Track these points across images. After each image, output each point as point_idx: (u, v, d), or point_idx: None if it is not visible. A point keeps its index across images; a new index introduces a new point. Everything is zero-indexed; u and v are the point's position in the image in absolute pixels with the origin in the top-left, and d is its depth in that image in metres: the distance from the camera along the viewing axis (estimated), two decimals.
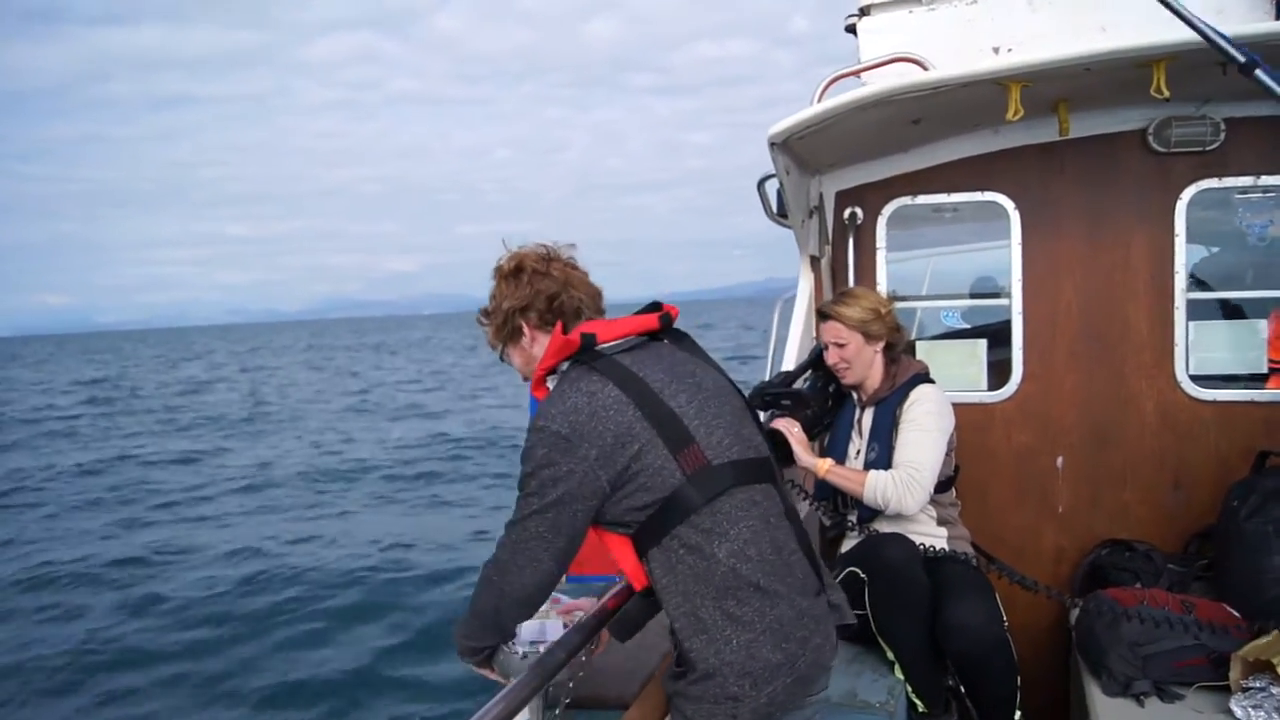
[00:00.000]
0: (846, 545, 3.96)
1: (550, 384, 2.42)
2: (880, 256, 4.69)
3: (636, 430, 2.22)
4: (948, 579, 3.60)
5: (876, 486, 3.65)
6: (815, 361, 4.11)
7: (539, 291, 2.47)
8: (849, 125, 3.92)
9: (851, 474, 3.75)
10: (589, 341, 2.35)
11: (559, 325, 2.45)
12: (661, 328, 2.50)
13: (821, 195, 4.69)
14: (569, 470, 2.21)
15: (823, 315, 3.94)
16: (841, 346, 3.87)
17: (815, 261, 4.72)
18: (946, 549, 3.79)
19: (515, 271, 2.51)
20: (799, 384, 4.19)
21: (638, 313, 2.53)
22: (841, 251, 4.73)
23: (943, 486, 3.86)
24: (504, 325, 2.53)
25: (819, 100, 4.14)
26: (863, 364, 3.89)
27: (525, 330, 2.51)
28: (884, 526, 3.79)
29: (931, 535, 3.80)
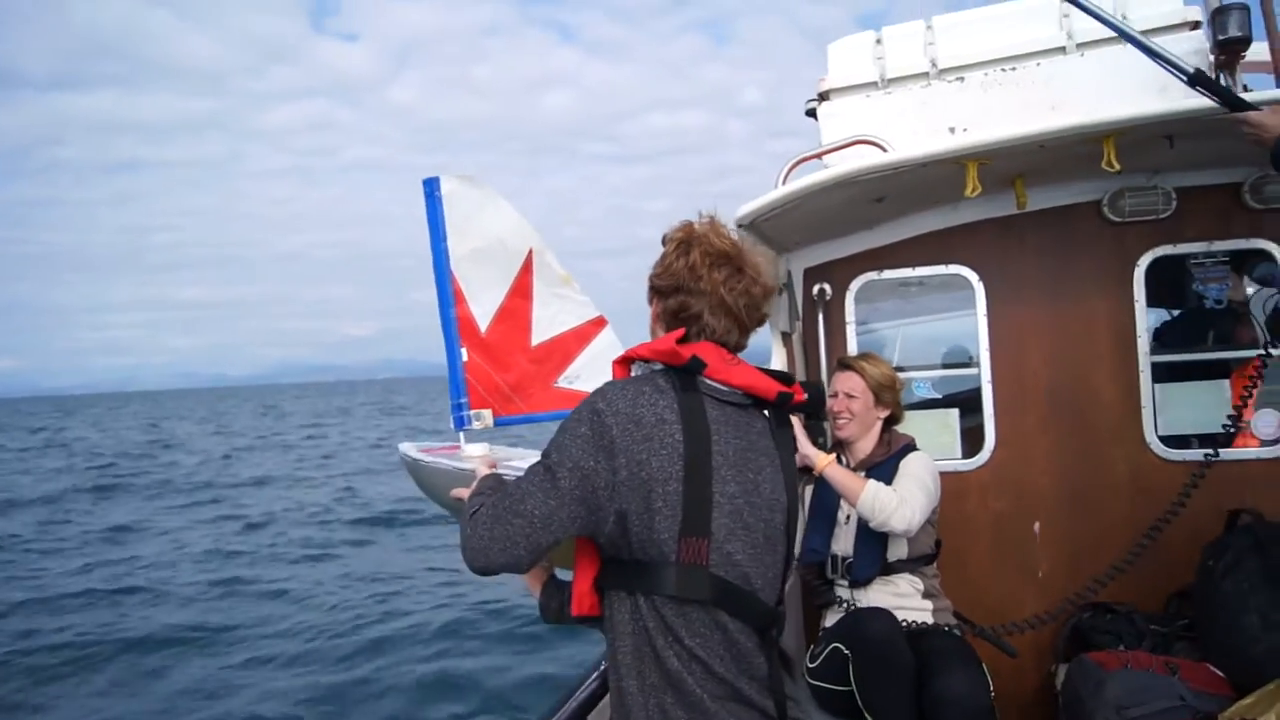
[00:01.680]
0: (830, 619, 3.97)
1: (634, 371, 2.33)
2: (850, 330, 4.78)
3: (670, 489, 2.09)
4: (934, 651, 3.62)
5: (878, 495, 3.68)
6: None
7: (679, 289, 2.29)
8: (814, 206, 4.02)
9: (851, 477, 3.80)
10: (694, 366, 2.21)
11: (680, 330, 2.29)
12: (776, 402, 2.33)
13: (790, 272, 4.79)
14: (595, 468, 2.11)
15: (844, 366, 4.09)
16: (852, 398, 3.99)
17: (786, 337, 4.80)
18: (931, 621, 3.81)
19: (682, 249, 2.32)
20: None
21: (768, 374, 2.35)
22: (812, 326, 4.81)
23: (926, 560, 3.90)
24: (650, 282, 2.38)
25: (784, 182, 4.25)
26: (863, 423, 4.01)
27: (652, 305, 2.39)
28: (871, 596, 3.82)
29: (917, 608, 3.83)
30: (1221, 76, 3.81)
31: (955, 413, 4.73)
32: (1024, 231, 4.55)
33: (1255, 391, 3.91)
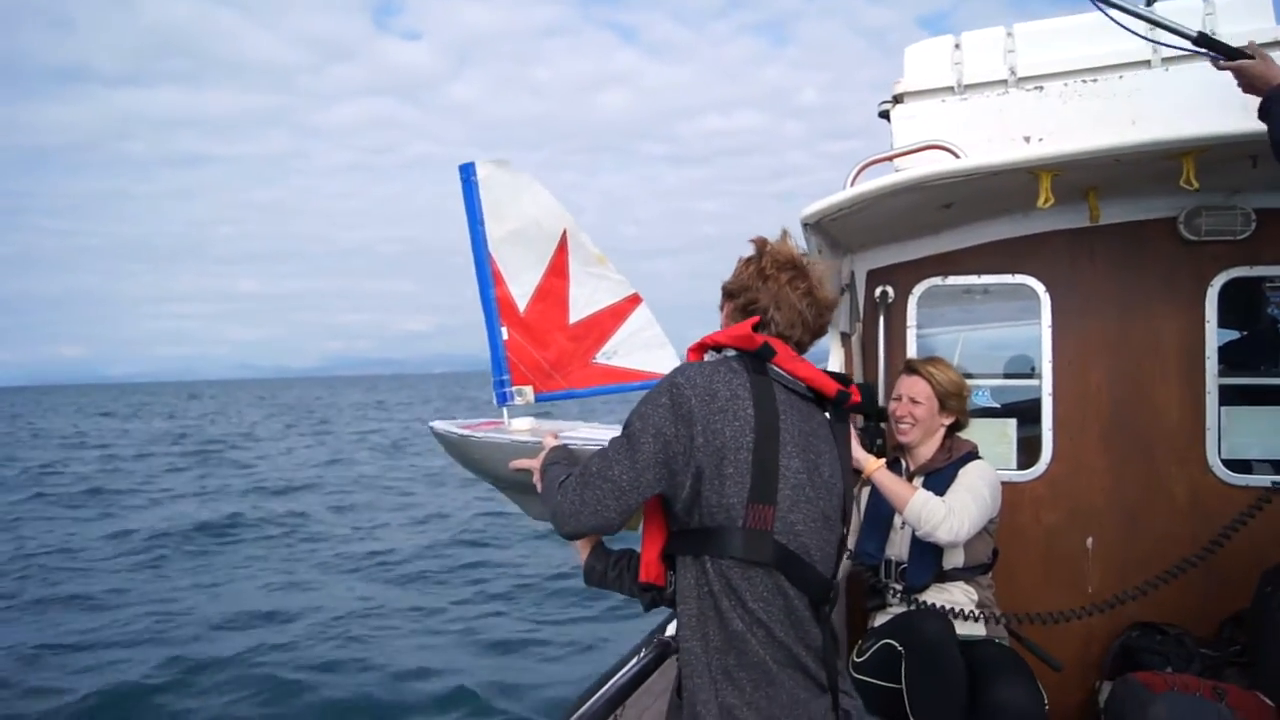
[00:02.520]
0: (881, 619, 3.96)
1: (708, 358, 2.49)
2: (910, 335, 4.76)
3: (741, 457, 2.25)
4: (987, 660, 3.61)
5: (926, 504, 3.67)
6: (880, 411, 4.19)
7: (746, 288, 2.48)
8: (881, 209, 4.01)
9: (899, 483, 3.80)
10: (765, 352, 2.39)
11: (755, 318, 2.45)
12: (834, 399, 2.48)
13: (853, 274, 4.78)
14: (675, 435, 2.28)
15: (911, 370, 4.04)
16: (916, 404, 3.96)
17: (846, 338, 4.79)
18: (984, 633, 3.79)
19: (752, 260, 2.52)
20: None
21: (826, 373, 2.50)
22: (872, 328, 4.80)
23: (983, 569, 3.88)
24: (722, 288, 2.59)
25: (852, 184, 4.24)
26: (925, 429, 3.98)
27: (723, 309, 2.59)
28: (927, 600, 3.81)
29: (971, 614, 3.80)
30: None
31: (1013, 423, 4.70)
32: (1094, 245, 4.50)
33: None
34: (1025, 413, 4.71)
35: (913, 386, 3.98)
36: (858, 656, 3.82)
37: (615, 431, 2.52)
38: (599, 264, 3.56)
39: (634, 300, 3.58)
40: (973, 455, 3.96)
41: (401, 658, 11.03)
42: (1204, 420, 4.35)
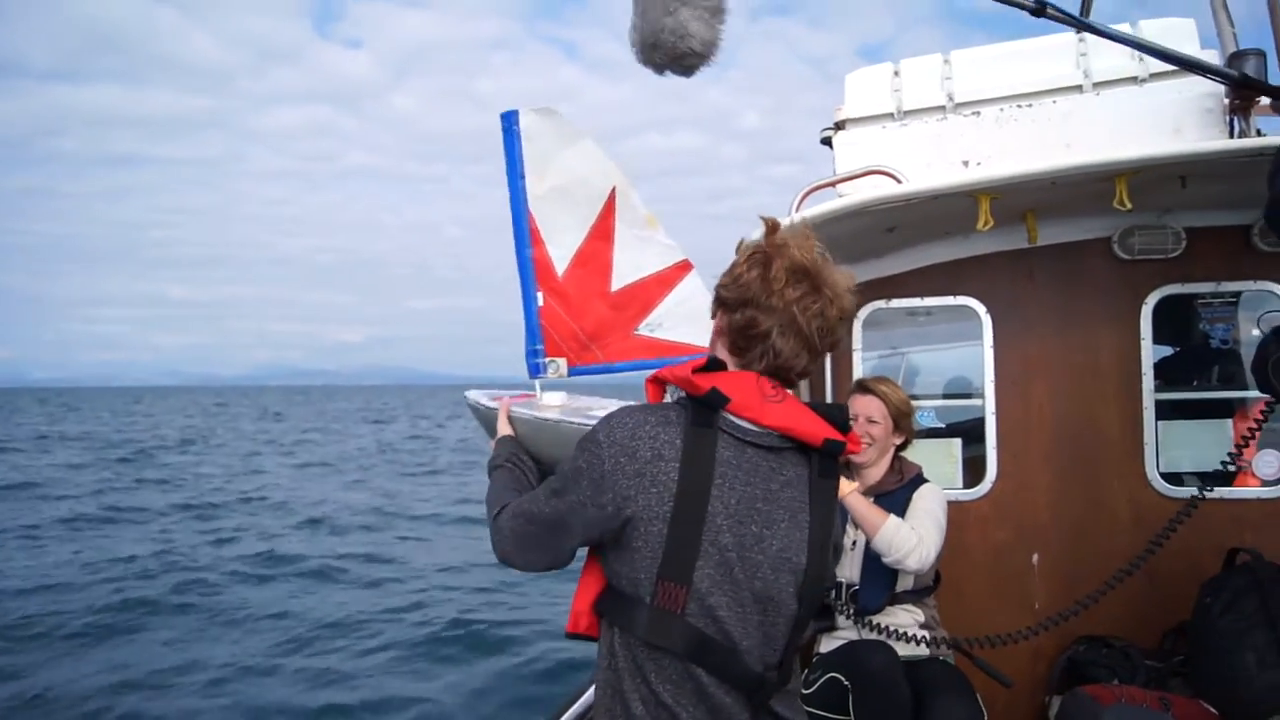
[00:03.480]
0: (826, 645, 3.97)
1: (668, 398, 2.21)
2: (856, 358, 4.81)
3: (654, 529, 1.98)
4: (930, 681, 3.63)
5: (899, 530, 3.63)
6: None
7: (747, 302, 2.08)
8: (826, 234, 4.03)
9: (873, 509, 3.71)
10: (713, 400, 2.02)
11: (701, 360, 2.13)
12: (823, 450, 2.09)
13: None
14: (587, 499, 2.05)
15: (865, 389, 4.02)
16: (873, 423, 3.94)
17: None
18: (928, 653, 3.83)
19: (757, 259, 2.11)
20: None
21: (821, 413, 2.12)
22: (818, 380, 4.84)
23: (928, 591, 3.91)
24: (716, 292, 2.20)
25: (796, 210, 4.29)
26: (881, 449, 3.97)
27: (715, 318, 2.21)
28: (878, 622, 3.82)
29: (915, 639, 3.83)
30: (1236, 120, 3.87)
31: (958, 442, 4.76)
32: (1033, 266, 4.59)
33: (1257, 434, 3.93)
34: (969, 432, 4.78)
35: (868, 406, 3.98)
36: (805, 688, 3.83)
37: None
38: (648, 226, 3.29)
39: (684, 267, 3.30)
40: (921, 477, 3.98)
41: None
42: (1142, 435, 4.45)
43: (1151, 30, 4.19)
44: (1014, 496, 4.60)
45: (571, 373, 3.27)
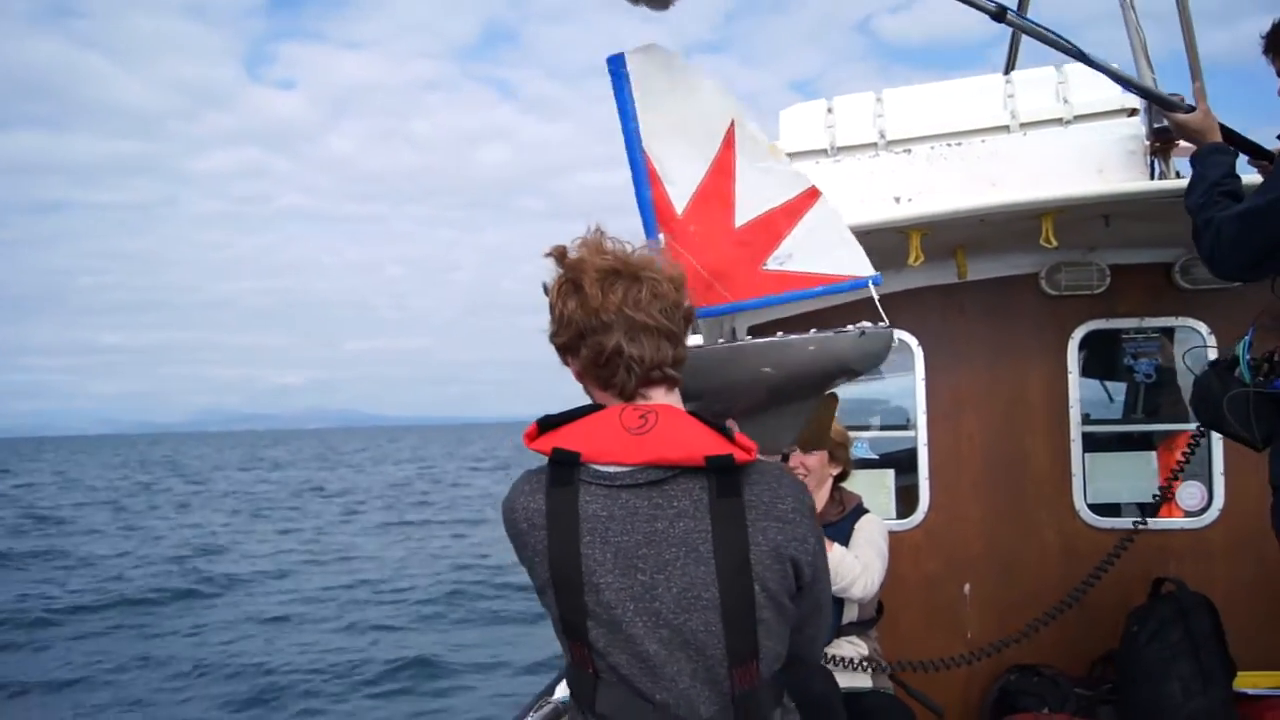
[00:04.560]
0: None
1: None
2: None
3: (548, 596, 1.96)
4: (872, 711, 3.65)
5: (844, 559, 3.62)
6: None
7: (583, 333, 1.96)
8: None
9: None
10: (560, 457, 1.93)
11: (533, 426, 2.00)
12: (710, 468, 1.89)
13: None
14: (520, 558, 2.03)
15: None
16: (808, 455, 3.92)
17: None
18: (870, 685, 3.84)
19: (568, 289, 1.99)
20: None
21: (711, 424, 1.96)
22: None
23: (871, 623, 3.92)
24: (552, 344, 2.07)
25: None
26: (818, 479, 3.96)
27: (570, 367, 2.07)
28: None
29: (857, 668, 3.83)
30: (1156, 162, 3.98)
31: (891, 473, 4.81)
32: (964, 300, 4.67)
33: (1185, 466, 4.01)
34: (902, 463, 4.82)
35: None
36: None
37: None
38: (770, 156, 3.10)
39: (811, 195, 3.07)
40: (861, 508, 4.00)
41: None
42: (1070, 467, 4.53)
43: (1076, 74, 4.30)
44: (946, 527, 4.65)
45: (699, 314, 3.01)
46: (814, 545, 1.98)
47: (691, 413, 2.01)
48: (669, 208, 3.03)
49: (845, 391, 5.79)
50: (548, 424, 1.99)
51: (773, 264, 3.03)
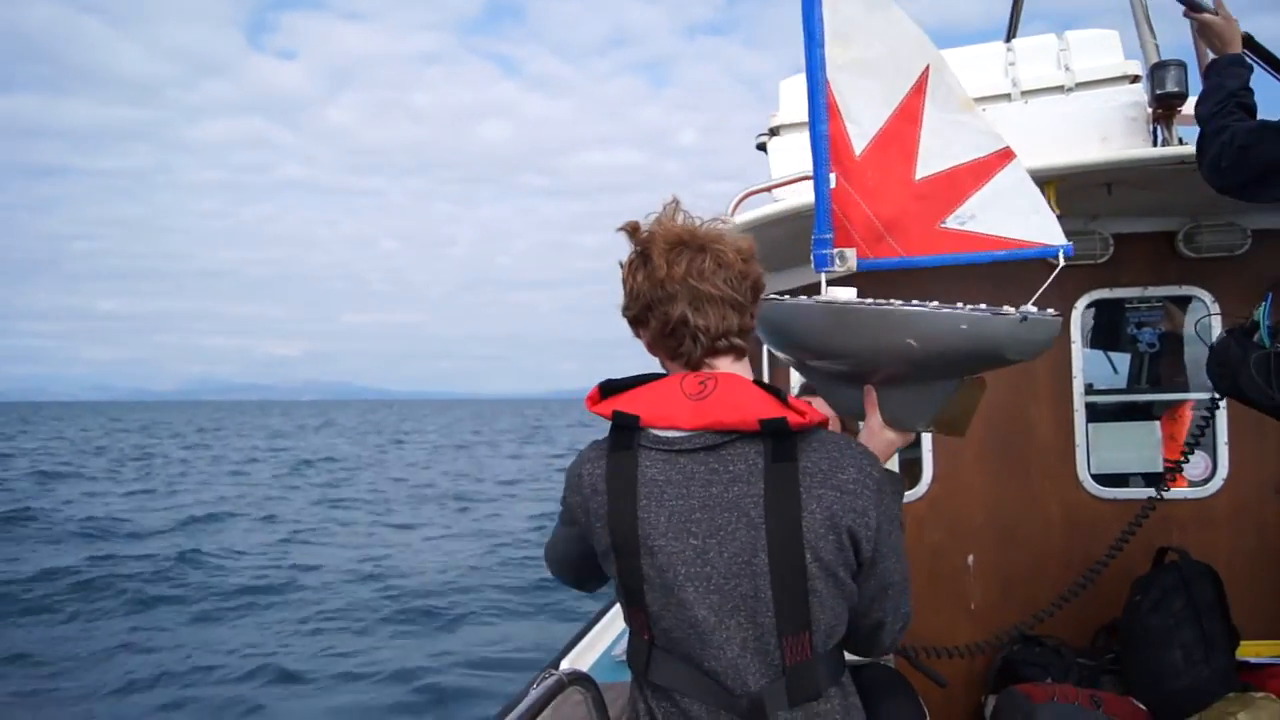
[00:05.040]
0: None
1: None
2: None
3: (609, 561, 2.03)
4: (873, 683, 3.65)
5: None
6: None
7: (650, 305, 2.01)
8: (761, 238, 4.05)
9: None
10: (621, 420, 1.99)
11: (594, 390, 2.08)
12: (765, 431, 1.91)
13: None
14: (569, 535, 2.21)
15: (812, 391, 3.98)
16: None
17: None
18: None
19: (637, 263, 2.04)
20: None
21: (766, 388, 1.98)
22: (756, 355, 4.86)
23: None
24: (625, 318, 2.12)
25: (732, 214, 4.31)
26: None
27: (641, 339, 2.12)
28: None
29: None
30: (1159, 129, 3.95)
31: None
32: (966, 270, 4.64)
33: (1201, 436, 3.99)
34: None
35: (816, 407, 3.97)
36: None
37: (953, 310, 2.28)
38: (964, 109, 2.86)
39: (1005, 156, 2.85)
40: None
41: None
42: (1073, 437, 4.53)
43: (1078, 41, 4.27)
44: (949, 498, 4.65)
45: (861, 266, 2.83)
46: (876, 519, 1.95)
47: (757, 383, 2.01)
48: (847, 147, 2.81)
49: None
50: (610, 389, 2.05)
51: (953, 222, 2.86)
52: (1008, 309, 2.30)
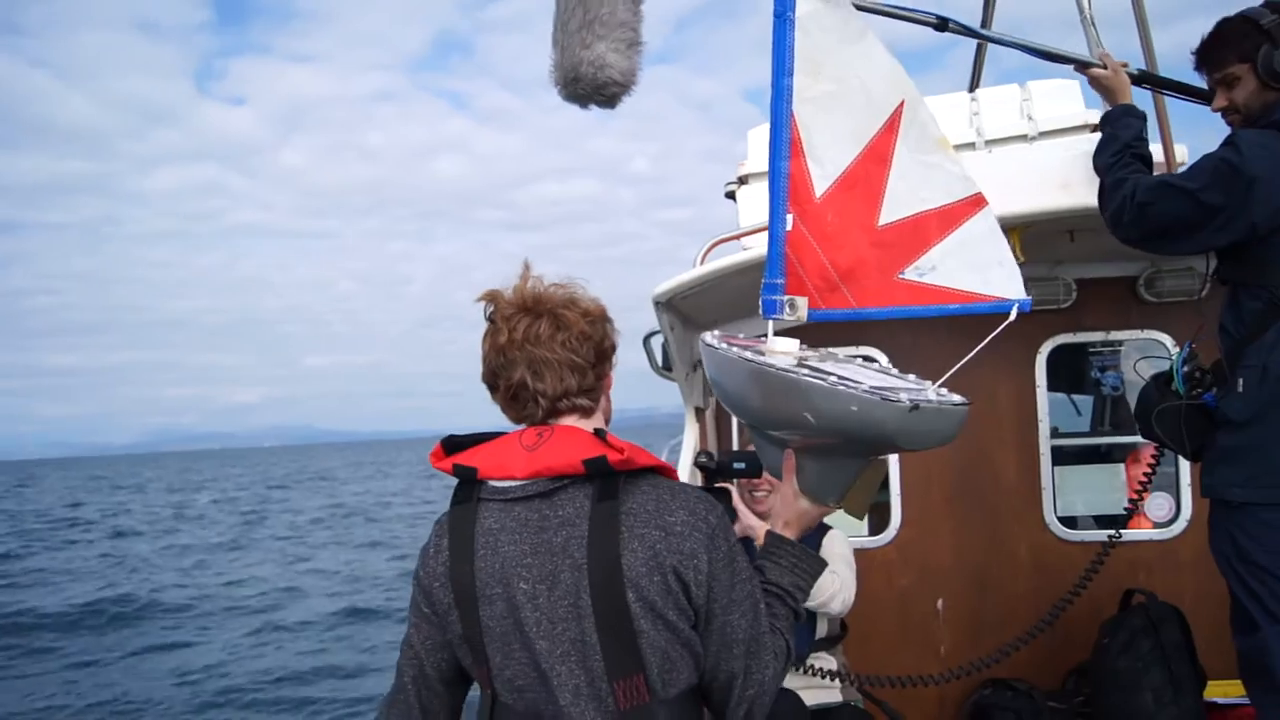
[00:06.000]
0: None
1: None
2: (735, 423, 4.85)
3: (452, 618, 1.98)
4: None
5: (821, 577, 3.58)
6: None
7: (495, 371, 2.04)
8: (730, 286, 4.11)
9: None
10: (464, 475, 2.00)
11: (438, 446, 2.08)
12: (591, 473, 1.92)
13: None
14: (414, 619, 2.08)
15: None
16: None
17: (700, 412, 4.85)
18: (840, 699, 3.84)
19: (490, 330, 2.06)
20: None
21: (598, 434, 2.00)
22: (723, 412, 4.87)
23: (837, 639, 3.92)
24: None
25: (701, 263, 4.34)
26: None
27: (496, 403, 2.10)
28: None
29: (826, 686, 3.84)
30: None
31: None
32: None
33: (1152, 478, 4.04)
34: None
35: None
36: None
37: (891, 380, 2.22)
38: (937, 150, 2.68)
39: (975, 203, 2.67)
40: (824, 525, 3.97)
41: None
42: (1039, 480, 4.56)
43: (1040, 91, 4.36)
44: (918, 543, 4.66)
45: (812, 316, 2.70)
46: (708, 568, 1.91)
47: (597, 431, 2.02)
48: (807, 187, 2.66)
49: None
50: (453, 445, 2.07)
51: (910, 273, 2.71)
52: (900, 394, 2.10)
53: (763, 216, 4.54)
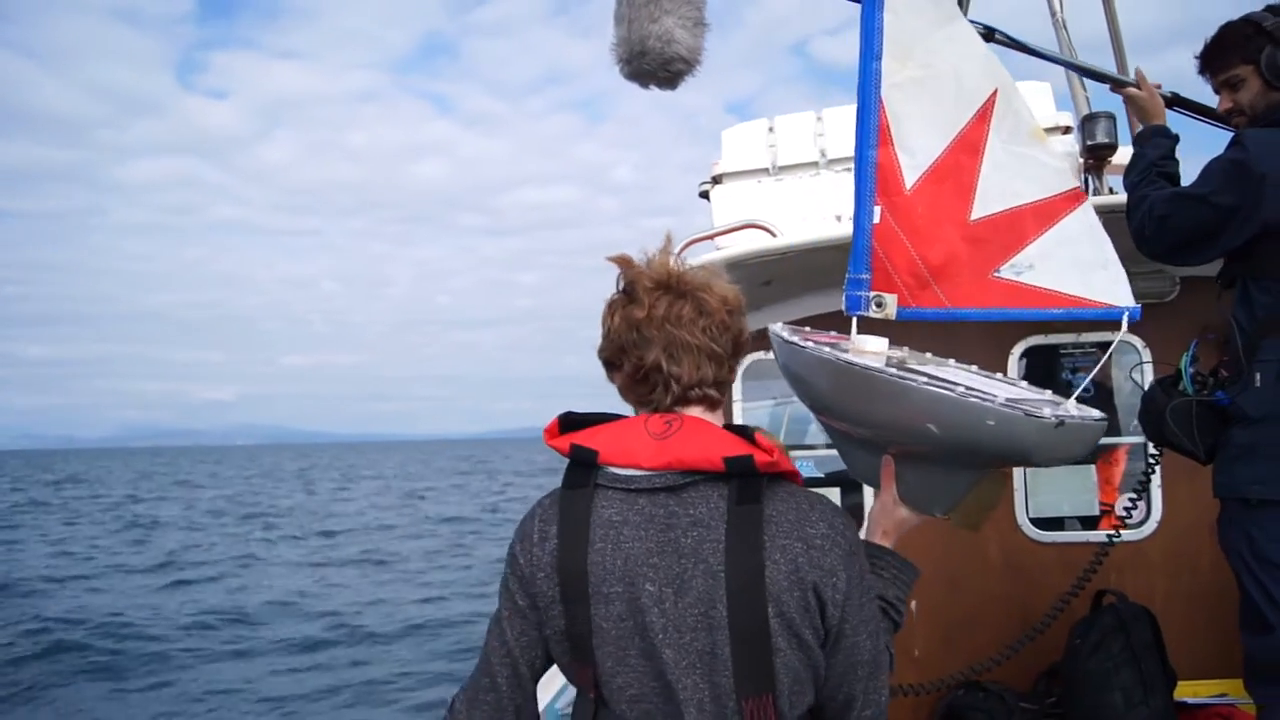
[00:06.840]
0: None
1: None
2: (737, 409, 4.83)
3: (554, 612, 1.82)
4: None
5: None
6: None
7: (624, 349, 1.87)
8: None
9: None
10: (582, 458, 1.84)
11: (554, 421, 1.93)
12: (730, 472, 1.76)
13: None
14: (510, 614, 1.90)
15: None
16: None
17: None
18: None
19: (619, 302, 1.91)
20: None
21: (735, 430, 1.82)
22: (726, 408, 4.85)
23: None
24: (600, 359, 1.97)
25: None
26: None
27: (614, 382, 1.96)
28: None
29: None
30: (1090, 179, 4.04)
31: (837, 491, 4.81)
32: None
33: (1148, 480, 4.06)
34: (847, 481, 4.82)
35: None
36: None
37: (988, 383, 2.06)
38: (1032, 141, 2.53)
39: (1074, 198, 2.51)
40: None
41: None
42: (1011, 481, 4.56)
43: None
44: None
45: (901, 315, 2.59)
46: (845, 586, 1.77)
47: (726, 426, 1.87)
48: (896, 178, 2.52)
49: (794, 410, 5.83)
50: (570, 423, 1.92)
51: (1007, 271, 2.53)
52: (1045, 408, 1.98)
53: (736, 216, 4.57)
